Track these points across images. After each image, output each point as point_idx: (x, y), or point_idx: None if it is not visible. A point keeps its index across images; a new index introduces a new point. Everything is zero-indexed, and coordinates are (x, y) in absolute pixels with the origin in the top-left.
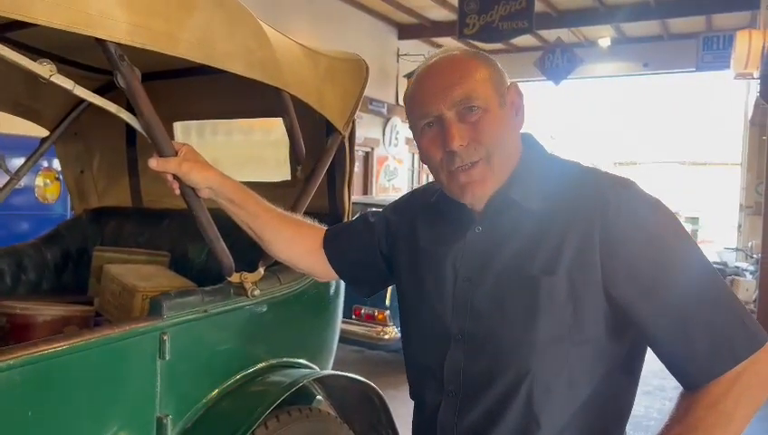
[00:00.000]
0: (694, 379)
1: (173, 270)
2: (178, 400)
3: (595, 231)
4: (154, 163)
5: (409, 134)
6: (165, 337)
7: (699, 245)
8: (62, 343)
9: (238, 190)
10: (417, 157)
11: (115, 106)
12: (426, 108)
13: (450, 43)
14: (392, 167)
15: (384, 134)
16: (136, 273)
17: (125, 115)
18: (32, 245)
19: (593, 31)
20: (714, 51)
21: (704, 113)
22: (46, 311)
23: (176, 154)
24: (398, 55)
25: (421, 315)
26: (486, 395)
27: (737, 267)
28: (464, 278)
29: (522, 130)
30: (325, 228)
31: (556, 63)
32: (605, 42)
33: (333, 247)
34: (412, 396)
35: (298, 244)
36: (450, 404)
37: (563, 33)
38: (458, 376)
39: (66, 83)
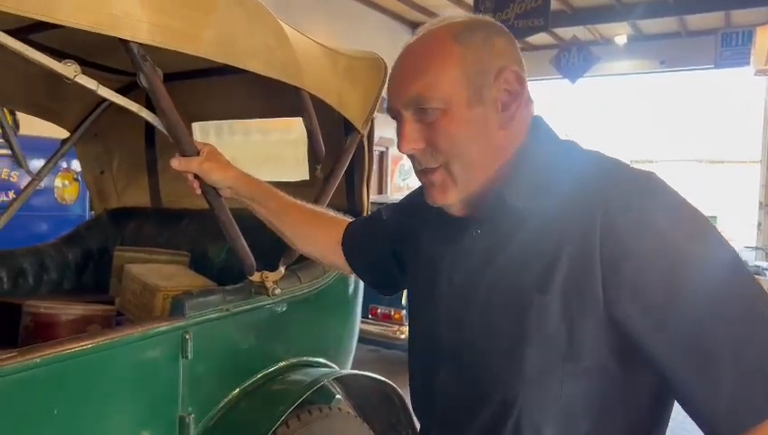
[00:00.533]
0: (720, 428)
1: (193, 270)
2: (201, 399)
3: (596, 234)
4: (176, 163)
5: None
6: (187, 336)
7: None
8: (86, 342)
9: (260, 189)
10: None
11: (137, 105)
12: (389, 101)
13: None
14: (407, 166)
15: None
16: (157, 272)
17: (147, 114)
18: (53, 245)
19: (609, 28)
20: (732, 47)
21: (722, 111)
22: (70, 310)
23: (198, 154)
24: None
25: (420, 326)
26: (470, 427)
27: (758, 266)
28: (457, 289)
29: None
30: (348, 222)
31: (572, 62)
32: (621, 39)
33: (349, 245)
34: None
35: (319, 241)
36: (438, 431)
37: (579, 31)
38: (445, 401)
39: (90, 83)
